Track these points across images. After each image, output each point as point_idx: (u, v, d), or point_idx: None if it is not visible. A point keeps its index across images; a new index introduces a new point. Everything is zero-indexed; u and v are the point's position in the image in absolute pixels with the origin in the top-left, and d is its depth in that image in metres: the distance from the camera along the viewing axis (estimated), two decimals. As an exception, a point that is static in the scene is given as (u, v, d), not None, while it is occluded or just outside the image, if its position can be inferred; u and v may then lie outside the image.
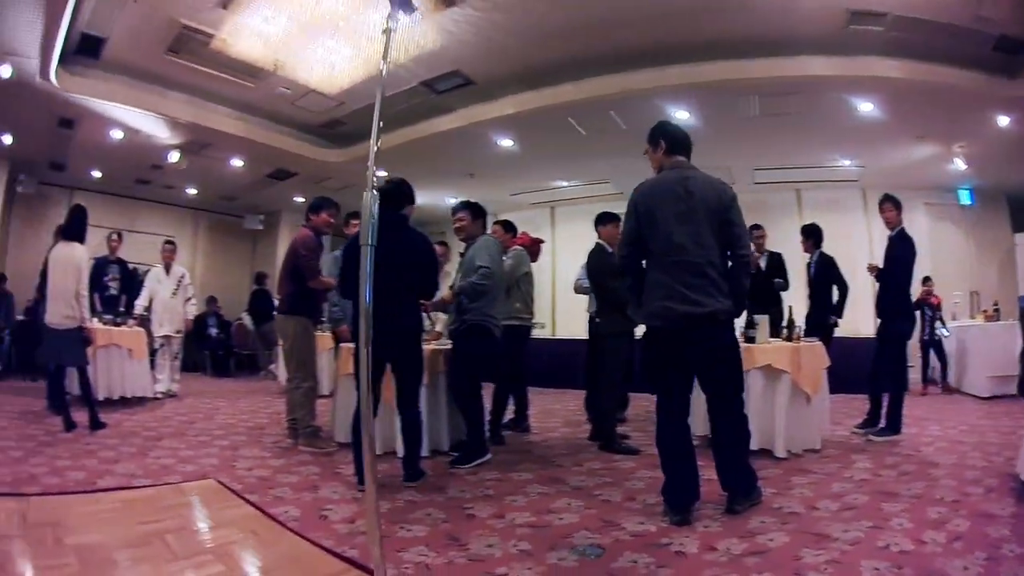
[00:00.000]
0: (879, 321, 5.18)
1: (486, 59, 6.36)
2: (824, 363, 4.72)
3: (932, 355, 8.14)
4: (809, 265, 6.19)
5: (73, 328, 4.98)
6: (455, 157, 8.80)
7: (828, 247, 6.27)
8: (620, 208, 9.56)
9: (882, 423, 4.92)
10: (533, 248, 5.90)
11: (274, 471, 3.90)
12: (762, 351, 4.36)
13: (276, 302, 5.31)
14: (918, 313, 7.02)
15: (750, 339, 4.51)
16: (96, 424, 4.94)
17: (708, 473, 3.13)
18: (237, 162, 9.26)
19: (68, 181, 10.66)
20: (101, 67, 6.81)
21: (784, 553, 2.49)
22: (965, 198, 9.98)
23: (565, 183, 10.30)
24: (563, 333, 10.07)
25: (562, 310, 10.63)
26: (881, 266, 5.16)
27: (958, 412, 6.36)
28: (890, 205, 5.11)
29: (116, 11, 5.78)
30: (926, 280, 7.99)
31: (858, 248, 8.64)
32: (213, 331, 10.99)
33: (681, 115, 6.89)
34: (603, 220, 5.22)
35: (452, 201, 10.95)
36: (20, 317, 9.11)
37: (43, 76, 6.44)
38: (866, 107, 6.81)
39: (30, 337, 8.06)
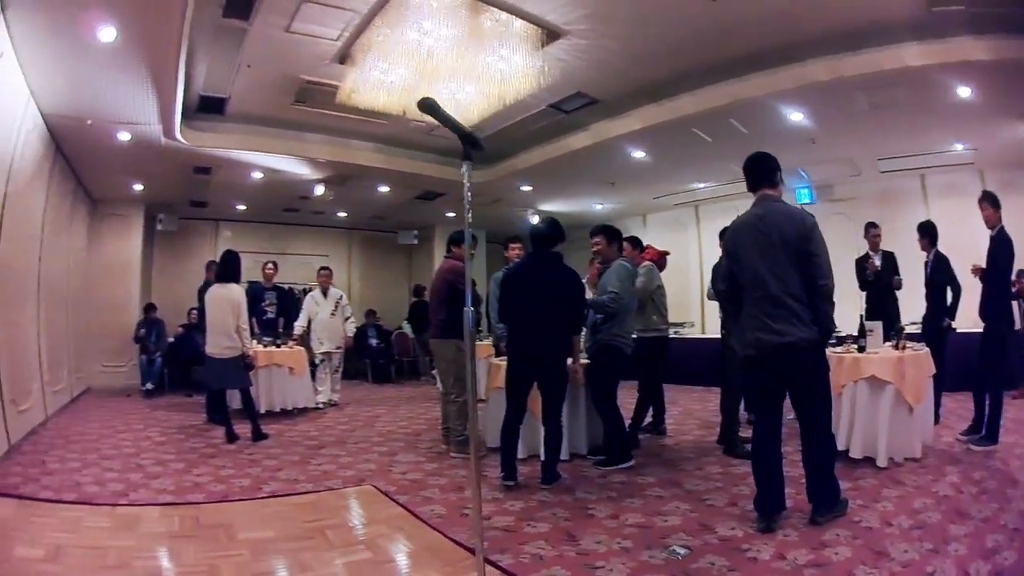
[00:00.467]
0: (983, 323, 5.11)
1: (604, 79, 6.64)
2: (929, 371, 4.79)
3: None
4: (926, 264, 6.04)
5: (235, 356, 5.71)
6: (593, 169, 9.21)
7: (952, 233, 6.20)
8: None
9: (984, 431, 4.86)
10: (660, 261, 6.24)
11: (426, 474, 4.56)
12: (868, 362, 4.51)
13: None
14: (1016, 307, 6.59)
15: (860, 348, 4.71)
16: (258, 435, 5.66)
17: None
18: (383, 188, 9.93)
19: (212, 214, 11.58)
20: (229, 120, 7.40)
21: (842, 568, 2.71)
22: None
23: (702, 184, 10.42)
24: (712, 331, 9.67)
25: (711, 307, 10.07)
26: (984, 266, 5.10)
27: None
28: (987, 204, 5.01)
29: (231, 75, 6.36)
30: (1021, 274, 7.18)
31: (978, 230, 8.11)
32: (373, 341, 11.72)
33: (796, 116, 7.04)
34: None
35: (598, 207, 11.88)
36: (170, 339, 10.04)
37: (168, 136, 6.97)
38: (964, 91, 6.48)
39: (180, 358, 9.53)
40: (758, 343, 3.27)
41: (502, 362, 4.86)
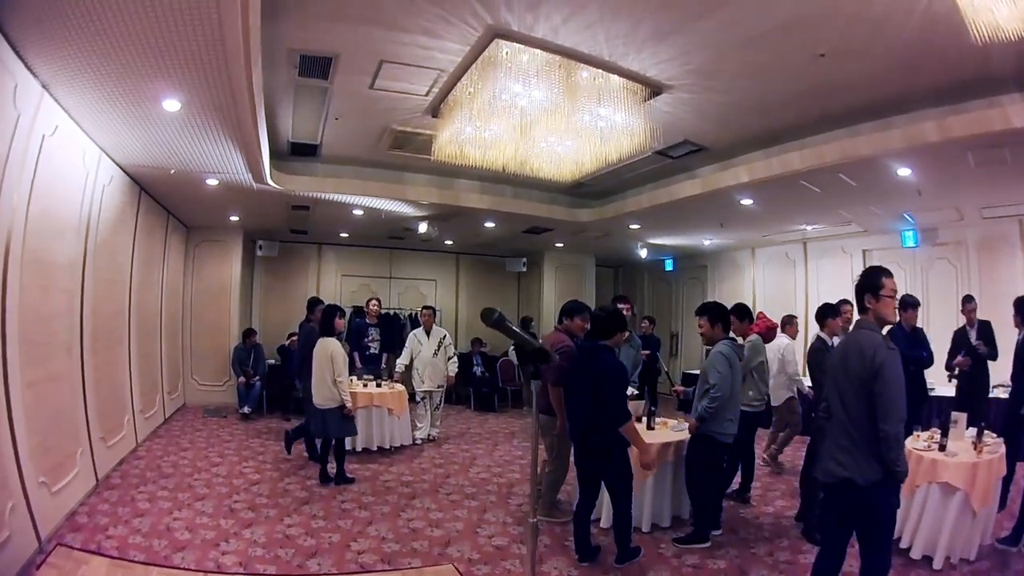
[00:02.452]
0: None
1: (711, 129, 6.44)
2: (1001, 474, 4.51)
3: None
4: (1019, 343, 5.41)
5: (336, 407, 5.95)
6: (701, 213, 9.14)
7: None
8: (868, 243, 10.18)
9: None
10: (768, 334, 6.07)
11: (511, 540, 4.60)
12: (944, 466, 4.30)
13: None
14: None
15: (941, 447, 4.48)
16: (342, 478, 5.93)
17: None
18: (489, 224, 10.00)
19: (313, 239, 11.75)
20: (324, 161, 7.48)
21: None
22: None
23: (810, 227, 10.16)
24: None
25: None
26: None
27: None
28: None
29: (319, 125, 6.41)
30: None
31: None
32: (478, 370, 11.70)
33: (903, 172, 6.64)
34: (822, 314, 5.40)
35: (707, 243, 11.86)
36: (271, 361, 10.32)
37: (258, 182, 6.94)
38: None
39: (280, 382, 9.74)
40: (825, 470, 3.20)
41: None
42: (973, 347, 6.19)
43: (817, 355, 5.01)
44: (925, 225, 9.31)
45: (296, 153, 7.32)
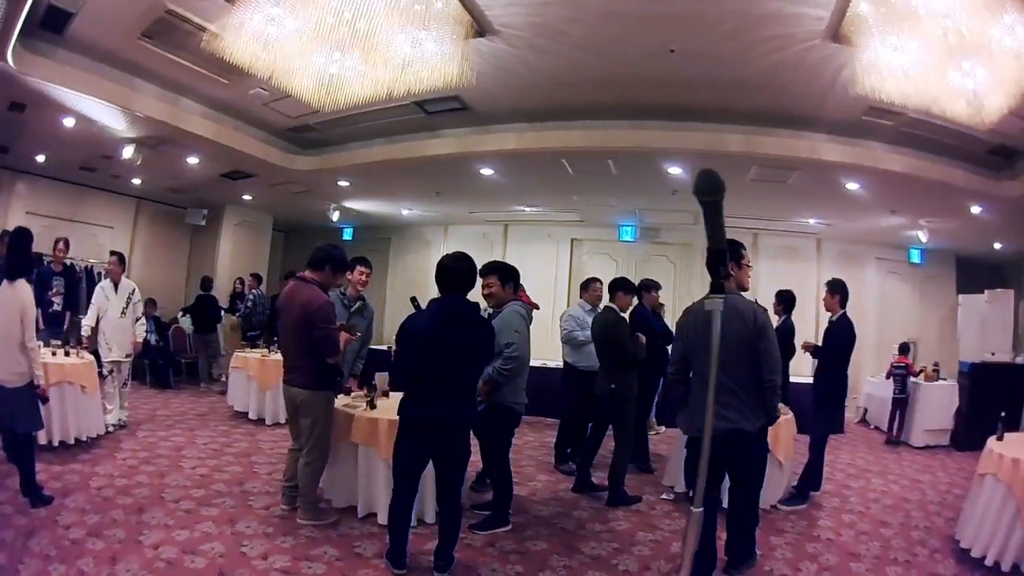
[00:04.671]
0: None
1: (497, 91, 5.99)
2: (794, 432, 5.31)
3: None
4: (776, 330, 6.30)
5: (23, 386, 4.01)
6: (429, 177, 8.57)
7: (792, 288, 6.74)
8: (580, 232, 10.50)
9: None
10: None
11: (292, 558, 3.59)
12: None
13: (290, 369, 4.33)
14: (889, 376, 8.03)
15: None
16: (37, 498, 4.02)
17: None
18: (193, 160, 8.38)
19: (10, 163, 9.33)
20: (64, 45, 5.82)
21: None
22: (915, 257, 10.81)
23: (528, 209, 10.26)
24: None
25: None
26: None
27: (897, 463, 7.01)
28: (828, 290, 5.48)
29: None
30: (905, 349, 8.55)
31: (808, 291, 9.13)
32: (152, 337, 9.53)
33: (674, 170, 7.17)
34: (624, 288, 5.41)
35: (405, 212, 11.21)
36: None
37: None
38: (853, 186, 7.34)
39: None
40: (703, 426, 3.04)
41: (353, 409, 4.36)
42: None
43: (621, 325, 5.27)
44: (652, 224, 10.43)
45: (46, 25, 5.43)
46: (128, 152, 7.65)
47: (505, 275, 4.33)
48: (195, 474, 5.05)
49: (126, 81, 6.27)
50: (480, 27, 4.80)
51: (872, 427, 9.21)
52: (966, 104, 4.72)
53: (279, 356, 7.04)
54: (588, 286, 6.19)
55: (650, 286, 6.51)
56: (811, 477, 5.21)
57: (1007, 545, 3.84)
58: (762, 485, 3.70)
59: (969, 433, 7.52)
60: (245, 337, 9.29)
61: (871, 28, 4.35)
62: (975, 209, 7.68)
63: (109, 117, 6.81)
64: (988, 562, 3.92)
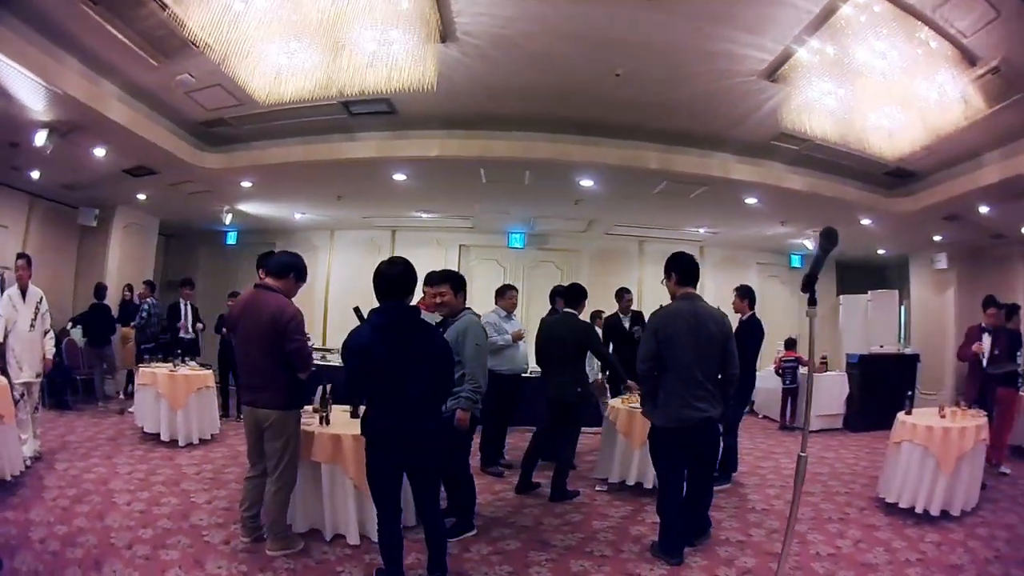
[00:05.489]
0: None
1: (429, 97, 5.66)
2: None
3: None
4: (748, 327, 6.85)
5: None
6: (339, 180, 8.29)
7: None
8: (468, 239, 10.68)
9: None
10: None
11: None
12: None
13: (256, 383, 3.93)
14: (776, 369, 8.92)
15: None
16: None
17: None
18: (100, 151, 7.33)
19: None
20: None
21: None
22: (795, 262, 12.06)
23: (425, 215, 10.25)
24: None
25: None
26: None
27: (799, 445, 7.51)
28: (737, 295, 6.05)
29: None
30: (791, 344, 9.37)
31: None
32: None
33: (586, 182, 7.60)
34: (576, 296, 5.59)
35: (299, 216, 10.82)
36: None
37: None
38: (752, 200, 8.10)
39: None
40: (680, 416, 3.82)
41: (307, 427, 4.07)
42: (630, 333, 7.16)
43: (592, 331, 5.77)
44: (541, 231, 10.91)
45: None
46: (41, 138, 6.66)
47: (457, 284, 4.30)
48: (133, 511, 4.45)
49: (53, 53, 5.41)
50: (444, 33, 4.76)
51: (761, 416, 10.05)
52: (881, 139, 5.37)
53: (188, 371, 6.72)
54: (505, 293, 6.24)
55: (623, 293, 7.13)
56: (731, 459, 5.69)
57: (933, 493, 4.77)
58: (716, 465, 4.40)
59: (861, 416, 8.72)
60: (140, 351, 8.56)
61: (807, 73, 4.91)
62: (865, 221, 8.71)
63: (28, 93, 5.83)
64: (918, 509, 4.79)
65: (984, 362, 6.20)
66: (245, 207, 10.10)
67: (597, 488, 5.49)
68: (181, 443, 6.34)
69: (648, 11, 4.41)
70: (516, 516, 4.73)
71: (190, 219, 11.38)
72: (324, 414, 4.26)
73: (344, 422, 4.24)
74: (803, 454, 2.94)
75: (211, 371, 6.99)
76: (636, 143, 6.84)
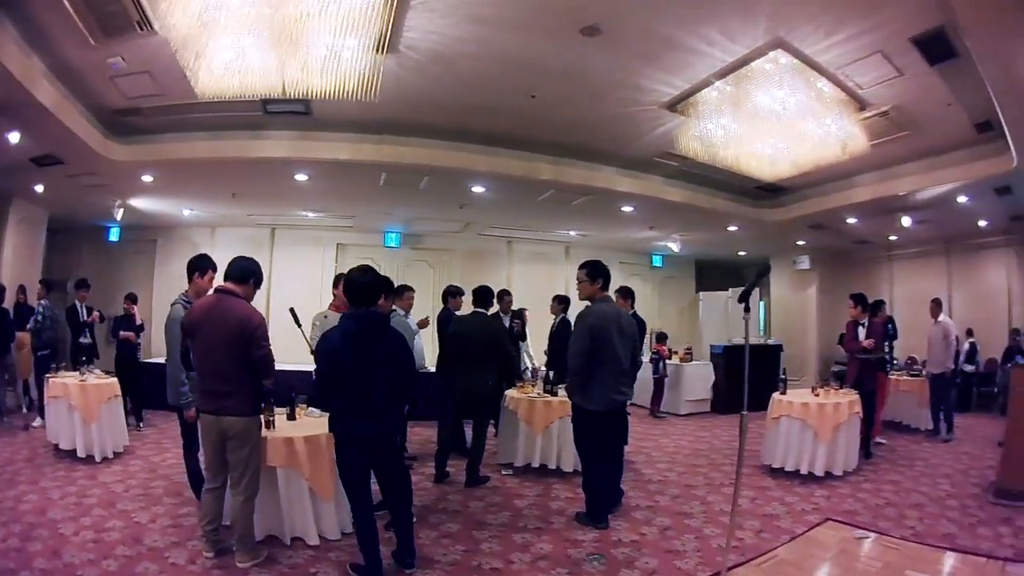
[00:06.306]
0: None
1: (349, 103, 5.69)
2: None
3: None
4: (563, 327, 7.54)
5: None
6: (242, 180, 8.15)
7: (536, 289, 8.36)
8: (346, 238, 11.23)
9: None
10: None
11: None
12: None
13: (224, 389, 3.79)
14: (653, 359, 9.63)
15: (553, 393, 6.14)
16: None
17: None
18: (15, 136, 6.46)
19: None
20: None
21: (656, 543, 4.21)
22: (657, 262, 13.49)
23: (312, 214, 10.30)
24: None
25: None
26: None
27: (674, 428, 8.88)
28: (619, 295, 6.59)
29: None
30: (662, 338, 10.20)
31: (558, 291, 10.22)
32: None
33: (478, 189, 8.19)
34: (484, 297, 5.97)
35: (187, 213, 10.46)
36: None
37: None
38: (628, 209, 9.09)
39: None
40: (611, 401, 4.54)
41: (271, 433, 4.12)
42: (510, 328, 7.52)
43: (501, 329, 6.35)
44: (416, 231, 11.51)
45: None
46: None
47: (387, 288, 4.54)
48: (86, 541, 4.08)
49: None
50: (390, 44, 4.92)
51: (628, 403, 10.94)
52: (762, 164, 6.28)
53: (96, 380, 6.29)
54: (403, 294, 6.23)
55: (457, 292, 7.26)
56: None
57: (815, 457, 5.71)
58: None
59: (727, 400, 9.86)
60: (37, 358, 7.88)
61: (706, 108, 5.74)
62: (732, 228, 9.99)
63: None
64: (803, 471, 5.70)
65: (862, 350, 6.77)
66: (137, 202, 9.44)
67: (504, 472, 5.91)
68: (98, 458, 5.91)
69: (582, 44, 4.94)
70: (443, 503, 5.02)
71: (77, 214, 10.35)
72: (270, 420, 4.22)
73: (290, 425, 4.34)
74: (744, 412, 3.49)
75: (116, 379, 6.51)
76: (532, 155, 7.46)
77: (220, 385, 3.70)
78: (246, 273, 3.90)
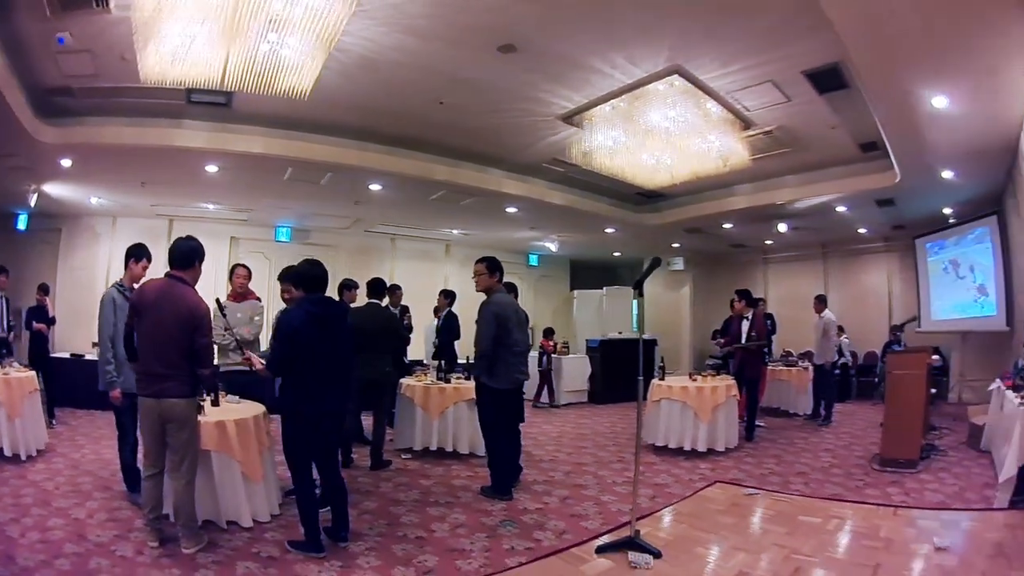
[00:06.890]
0: None
1: (266, 97, 5.56)
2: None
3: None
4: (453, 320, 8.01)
5: None
6: (156, 168, 7.92)
7: (418, 285, 8.89)
8: (239, 231, 11.46)
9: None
10: None
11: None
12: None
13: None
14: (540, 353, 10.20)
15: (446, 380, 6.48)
16: None
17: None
18: None
19: None
20: None
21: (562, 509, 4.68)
22: (533, 260, 14.30)
23: (212, 206, 10.21)
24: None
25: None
26: None
27: (556, 416, 9.50)
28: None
29: None
30: (548, 333, 10.78)
31: (437, 287, 10.81)
32: None
33: (375, 187, 8.58)
34: (378, 289, 6.31)
35: (94, 200, 9.99)
36: None
37: None
38: (512, 210, 9.75)
39: None
40: (516, 381, 5.13)
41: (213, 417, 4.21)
42: (400, 322, 7.77)
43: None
44: (305, 226, 11.71)
45: None
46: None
47: (297, 280, 4.65)
48: (35, 543, 3.90)
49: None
50: (327, 46, 5.00)
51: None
52: (645, 173, 7.09)
53: (19, 374, 5.90)
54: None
55: (353, 285, 7.38)
56: None
57: (697, 435, 6.26)
58: None
59: (603, 391, 10.63)
60: None
61: (600, 122, 6.40)
62: (609, 230, 10.89)
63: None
64: (686, 448, 6.24)
65: (743, 341, 7.25)
66: (50, 188, 8.82)
67: (404, 457, 6.18)
68: (23, 456, 5.59)
69: (496, 60, 5.42)
70: (354, 484, 5.09)
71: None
72: (202, 404, 4.22)
73: (218, 410, 4.42)
74: (639, 377, 4.01)
75: (34, 372, 6.14)
76: (430, 156, 7.91)
77: (161, 368, 3.70)
78: (191, 255, 3.95)
